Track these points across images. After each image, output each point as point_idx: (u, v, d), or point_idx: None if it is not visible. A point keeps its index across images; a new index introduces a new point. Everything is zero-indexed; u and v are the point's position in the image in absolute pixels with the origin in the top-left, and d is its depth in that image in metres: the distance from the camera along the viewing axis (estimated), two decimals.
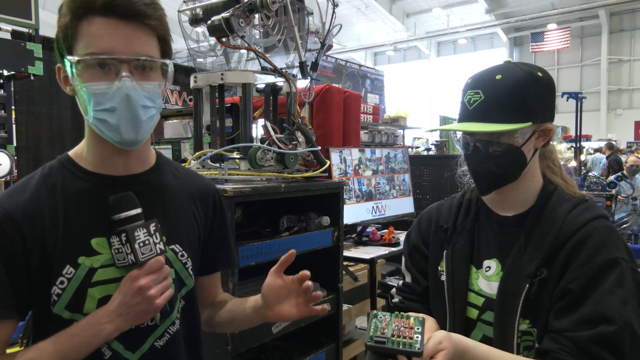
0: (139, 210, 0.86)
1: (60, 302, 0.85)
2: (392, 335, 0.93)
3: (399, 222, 2.93)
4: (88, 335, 0.82)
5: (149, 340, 0.92)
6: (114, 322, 0.82)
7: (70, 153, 0.93)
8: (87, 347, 0.82)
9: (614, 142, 11.02)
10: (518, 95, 0.98)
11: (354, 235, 2.84)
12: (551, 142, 1.10)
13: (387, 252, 2.56)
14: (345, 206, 2.07)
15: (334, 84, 2.64)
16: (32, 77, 2.60)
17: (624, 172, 5.57)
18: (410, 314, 1.01)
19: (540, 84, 1.01)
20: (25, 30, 2.68)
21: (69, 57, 0.82)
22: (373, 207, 2.74)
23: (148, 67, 0.85)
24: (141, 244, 0.84)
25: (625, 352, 0.88)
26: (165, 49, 0.88)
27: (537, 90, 1.00)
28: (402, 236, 2.78)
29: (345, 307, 2.53)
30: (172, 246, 0.95)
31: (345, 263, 2.55)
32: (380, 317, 0.96)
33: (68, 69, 0.83)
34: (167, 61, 0.87)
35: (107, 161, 0.90)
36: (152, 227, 0.86)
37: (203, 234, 1.03)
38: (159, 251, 0.86)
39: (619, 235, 1.00)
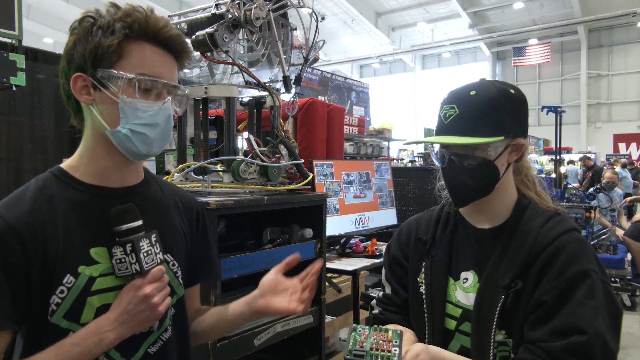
0: (140, 222, 0.90)
1: (59, 311, 0.86)
2: (371, 349, 0.94)
3: (382, 234, 2.95)
4: (90, 344, 0.83)
5: (143, 347, 0.94)
6: (116, 330, 0.85)
7: (64, 166, 0.95)
8: (89, 356, 0.84)
9: (589, 156, 11.35)
10: (491, 110, 1.01)
11: (337, 247, 2.86)
12: (525, 158, 1.14)
13: (369, 263, 2.57)
14: (328, 218, 2.08)
15: (319, 97, 2.67)
16: (14, 88, 2.57)
17: (603, 184, 5.71)
18: (389, 326, 1.03)
19: (513, 101, 1.04)
20: (8, 40, 2.66)
21: (124, 73, 0.88)
22: (356, 219, 2.77)
23: (174, 93, 0.96)
24: (145, 254, 0.88)
25: None
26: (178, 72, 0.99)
27: (509, 106, 1.03)
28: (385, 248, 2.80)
29: (329, 318, 2.53)
30: (164, 256, 0.97)
31: (329, 275, 2.56)
32: (360, 331, 0.98)
33: (106, 80, 0.88)
34: (188, 93, 1.00)
35: (108, 173, 0.94)
36: (153, 238, 0.91)
37: (189, 246, 1.07)
38: (159, 261, 0.91)
39: (590, 247, 1.04)
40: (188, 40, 1.62)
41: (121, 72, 0.87)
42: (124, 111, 0.88)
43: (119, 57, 0.88)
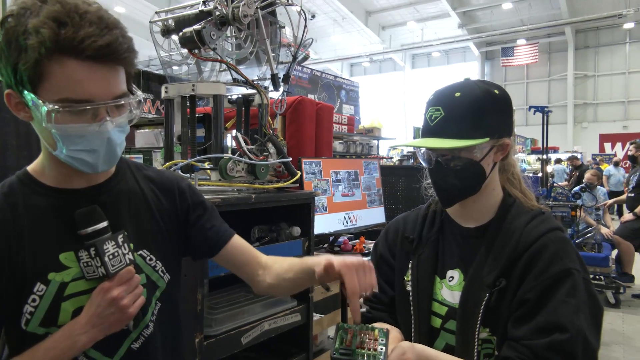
0: (105, 224, 0.87)
1: (33, 319, 0.85)
2: (357, 347, 0.95)
3: (370, 232, 2.96)
4: (63, 348, 0.83)
5: (125, 344, 0.93)
6: (88, 333, 0.84)
7: (29, 169, 0.92)
8: (64, 358, 0.83)
9: (577, 156, 11.59)
10: (476, 112, 1.02)
11: (326, 245, 2.86)
12: (513, 156, 1.15)
13: None
14: (316, 216, 2.08)
15: (309, 95, 2.66)
16: None
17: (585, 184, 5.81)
18: (375, 325, 1.03)
19: (497, 101, 1.05)
20: None
21: (48, 106, 0.77)
22: (345, 217, 2.77)
23: (118, 107, 0.84)
24: (110, 257, 0.86)
25: (578, 358, 0.92)
26: (130, 74, 0.87)
27: (493, 107, 1.04)
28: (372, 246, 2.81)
29: (317, 316, 2.53)
30: (140, 252, 0.96)
31: None
32: (346, 329, 0.99)
33: (33, 105, 0.79)
34: (142, 95, 0.87)
35: (71, 178, 0.90)
36: (120, 239, 0.88)
37: (178, 227, 1.04)
38: (128, 261, 0.88)
39: (573, 246, 1.05)
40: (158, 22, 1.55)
41: (41, 101, 0.77)
42: (57, 137, 0.80)
43: (40, 80, 0.77)
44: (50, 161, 0.90)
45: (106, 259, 0.85)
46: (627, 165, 11.27)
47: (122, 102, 0.83)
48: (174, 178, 1.08)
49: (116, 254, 0.86)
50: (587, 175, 5.93)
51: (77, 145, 0.81)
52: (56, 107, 0.77)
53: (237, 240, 1.12)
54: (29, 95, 0.78)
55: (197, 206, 1.08)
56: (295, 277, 1.08)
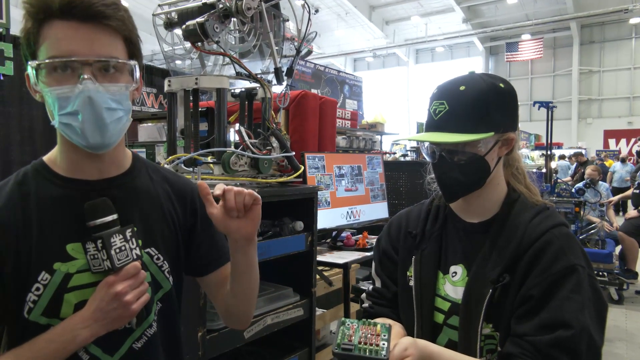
0: (114, 216, 0.87)
1: (36, 308, 0.84)
2: (359, 343, 0.94)
3: (373, 227, 2.96)
4: (64, 341, 0.82)
5: (126, 343, 0.92)
6: (89, 328, 0.83)
7: (45, 158, 0.93)
8: (64, 352, 0.83)
9: (582, 152, 11.59)
10: (480, 106, 1.01)
11: (328, 240, 2.86)
12: (518, 151, 1.14)
13: (361, 256, 2.58)
14: (319, 211, 2.08)
15: (312, 90, 2.65)
16: (2, 77, 2.54)
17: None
18: (377, 320, 1.03)
19: (502, 95, 1.04)
20: None
21: (30, 63, 0.82)
22: (348, 212, 2.77)
23: (113, 69, 0.83)
24: (117, 250, 0.85)
25: (582, 355, 0.92)
26: (132, 50, 0.87)
27: (499, 101, 1.03)
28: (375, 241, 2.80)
29: (319, 311, 2.54)
30: (148, 249, 0.95)
31: (320, 268, 2.56)
32: (348, 325, 0.98)
33: (31, 74, 0.82)
34: (132, 62, 0.86)
35: (80, 166, 0.90)
36: (128, 233, 0.87)
37: (184, 235, 1.03)
38: (135, 257, 0.87)
39: (577, 242, 1.04)
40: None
41: (29, 62, 0.82)
42: (49, 103, 0.82)
43: (38, 46, 0.81)
44: (62, 148, 0.90)
45: (112, 252, 0.84)
46: (632, 161, 11.26)
47: (103, 59, 0.81)
48: (190, 184, 1.08)
49: (123, 248, 0.85)
50: (588, 170, 5.90)
51: (64, 109, 0.81)
52: (38, 62, 0.80)
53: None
54: (29, 64, 0.82)
55: (205, 218, 1.05)
56: (232, 282, 1.04)
